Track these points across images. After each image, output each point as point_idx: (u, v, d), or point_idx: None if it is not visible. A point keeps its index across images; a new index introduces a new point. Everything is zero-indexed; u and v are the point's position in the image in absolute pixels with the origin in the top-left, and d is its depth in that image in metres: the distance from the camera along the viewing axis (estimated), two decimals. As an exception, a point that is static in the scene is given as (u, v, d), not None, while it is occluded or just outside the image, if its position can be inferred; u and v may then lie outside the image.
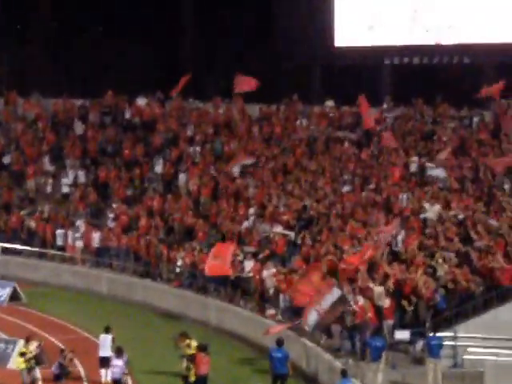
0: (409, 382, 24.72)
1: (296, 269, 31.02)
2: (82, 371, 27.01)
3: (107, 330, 26.23)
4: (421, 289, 27.47)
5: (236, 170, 39.35)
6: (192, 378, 24.85)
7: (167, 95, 45.83)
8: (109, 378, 25.19)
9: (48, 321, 33.31)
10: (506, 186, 32.60)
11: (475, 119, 38.85)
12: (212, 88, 47.43)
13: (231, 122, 44.44)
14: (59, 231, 40.17)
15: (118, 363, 23.97)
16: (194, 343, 25.70)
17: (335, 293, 26.19)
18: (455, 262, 28.28)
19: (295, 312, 29.17)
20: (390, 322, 27.03)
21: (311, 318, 26.21)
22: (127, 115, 46.93)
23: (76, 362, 27.07)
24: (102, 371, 25.70)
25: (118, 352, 24.52)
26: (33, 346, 25.60)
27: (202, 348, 24.85)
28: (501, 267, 27.28)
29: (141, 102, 47.15)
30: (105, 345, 25.87)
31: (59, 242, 40.11)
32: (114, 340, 25.76)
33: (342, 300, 26.27)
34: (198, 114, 45.54)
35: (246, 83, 40.36)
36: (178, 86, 42.81)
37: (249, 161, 39.45)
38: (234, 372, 27.63)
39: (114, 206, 40.91)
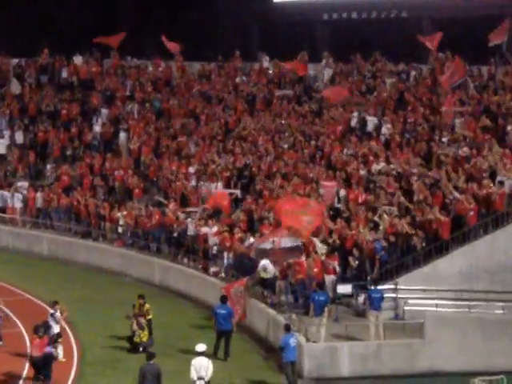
0: (351, 335, 25.08)
1: (238, 224, 31.16)
2: (24, 332, 26.84)
3: (54, 305, 25.15)
4: (362, 243, 27.83)
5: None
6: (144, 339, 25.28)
7: (104, 54, 45.25)
8: (61, 356, 24.51)
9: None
10: (444, 140, 32.98)
11: (413, 73, 39.12)
12: (150, 46, 46.92)
13: (171, 79, 44.15)
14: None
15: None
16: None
17: (294, 241, 26.54)
18: (396, 215, 28.65)
19: (237, 269, 29.39)
20: (332, 276, 27.36)
21: (264, 244, 26.33)
22: (64, 74, 46.25)
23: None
24: (58, 348, 24.71)
25: (45, 326, 23.62)
26: None
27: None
28: (438, 220, 27.70)
29: (77, 60, 46.47)
30: (55, 320, 24.82)
31: (-1, 202, 39.65)
32: (62, 313, 24.96)
33: (296, 250, 26.59)
34: (136, 72, 45.12)
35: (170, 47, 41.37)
36: (109, 40, 42.55)
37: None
38: (178, 329, 27.75)
39: (54, 166, 40.45)
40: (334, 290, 27.05)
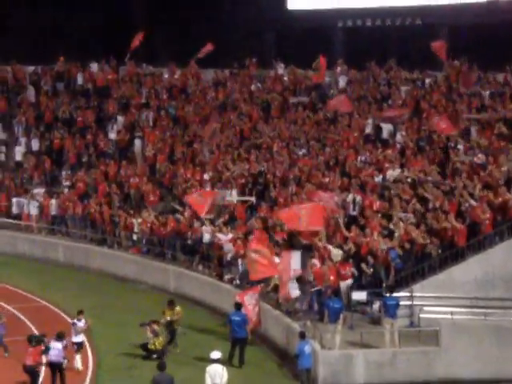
0: (366, 342, 25.00)
1: (252, 231, 31.14)
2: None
3: (79, 314, 24.91)
4: (376, 250, 27.76)
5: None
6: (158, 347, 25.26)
7: (120, 61, 45.47)
8: (79, 365, 24.45)
9: (4, 289, 33.10)
10: (460, 147, 32.90)
11: (428, 80, 39.07)
12: (165, 53, 47.11)
13: (186, 87, 44.28)
14: (14, 200, 39.85)
15: (56, 346, 22.83)
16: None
17: (296, 254, 26.47)
18: (412, 222, 28.57)
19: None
20: (348, 282, 27.28)
21: (292, 290, 26.38)
22: (80, 81, 46.48)
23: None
24: (77, 357, 24.55)
25: (59, 336, 23.24)
26: None
27: None
28: (454, 227, 27.62)
29: (93, 68, 46.73)
30: (77, 330, 24.67)
31: (15, 210, 39.80)
32: (87, 323, 24.78)
33: (305, 257, 26.63)
34: (151, 79, 45.29)
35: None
36: (131, 45, 42.73)
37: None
38: (193, 336, 27.75)
39: (69, 173, 40.61)
40: (349, 296, 26.98)
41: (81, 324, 24.77)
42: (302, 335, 23.39)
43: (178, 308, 26.46)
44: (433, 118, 34.24)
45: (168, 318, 26.09)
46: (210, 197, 32.09)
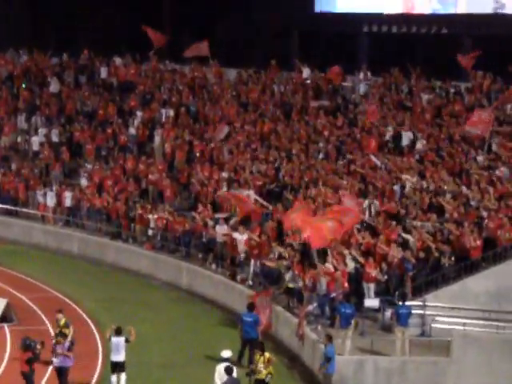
0: (377, 350, 24.94)
1: (267, 233, 31.13)
2: (51, 330, 26.99)
3: (118, 332, 22.84)
4: (391, 258, 27.69)
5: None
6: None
7: (143, 56, 45.57)
8: None
9: (18, 279, 33.25)
10: (479, 158, 32.78)
11: (451, 90, 38.93)
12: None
13: (207, 85, 44.31)
14: (32, 190, 40.02)
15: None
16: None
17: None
18: (428, 232, 28.48)
19: (264, 277, 29.37)
20: (372, 285, 27.28)
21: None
22: (103, 75, 46.62)
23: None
24: (113, 377, 22.81)
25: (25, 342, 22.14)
26: None
27: None
28: (469, 238, 27.51)
29: (117, 62, 46.87)
30: (118, 348, 22.67)
31: (31, 200, 39.95)
32: (128, 341, 22.68)
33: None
34: (173, 76, 45.37)
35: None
36: (154, 41, 42.92)
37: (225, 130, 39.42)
38: (204, 334, 27.78)
39: (88, 166, 40.73)
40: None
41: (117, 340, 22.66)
42: (330, 338, 23.13)
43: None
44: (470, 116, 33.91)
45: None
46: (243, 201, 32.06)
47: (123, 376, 22.65)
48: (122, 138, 41.79)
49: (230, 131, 39.29)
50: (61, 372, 22.41)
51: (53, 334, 23.64)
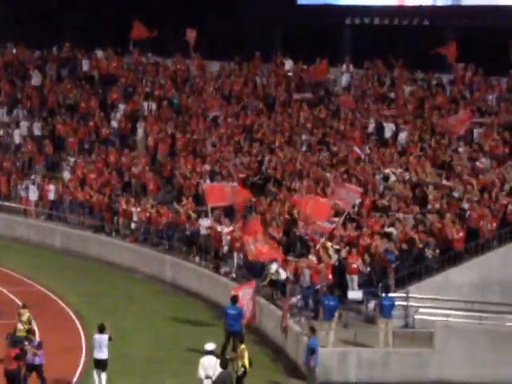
0: (360, 341, 25.00)
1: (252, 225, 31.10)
2: (34, 325, 26.90)
3: (102, 329, 22.37)
4: (373, 250, 27.74)
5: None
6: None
7: (125, 49, 45.39)
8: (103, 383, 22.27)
9: (0, 273, 33.07)
10: (461, 150, 32.86)
11: (433, 82, 38.98)
12: (170, 44, 46.99)
13: (189, 77, 44.21)
14: (14, 184, 39.83)
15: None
16: None
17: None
18: (411, 223, 28.55)
19: (248, 270, 29.38)
20: (355, 276, 27.32)
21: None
22: (85, 68, 46.42)
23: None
24: (95, 374, 22.27)
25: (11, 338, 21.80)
26: None
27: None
28: (451, 230, 27.59)
29: (99, 55, 46.66)
30: (100, 346, 22.19)
31: (14, 194, 39.77)
32: (110, 339, 22.22)
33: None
34: (155, 68, 45.22)
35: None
36: (133, 34, 42.81)
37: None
38: (187, 327, 27.76)
39: (70, 159, 40.56)
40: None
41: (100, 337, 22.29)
42: (314, 330, 23.01)
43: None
44: (446, 116, 34.08)
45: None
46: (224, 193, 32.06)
47: (104, 375, 22.18)
48: (104, 131, 41.65)
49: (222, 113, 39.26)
50: (35, 369, 21.80)
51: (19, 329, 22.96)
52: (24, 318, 23.27)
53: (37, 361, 21.78)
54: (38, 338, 22.54)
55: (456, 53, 37.02)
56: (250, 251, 27.48)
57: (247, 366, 21.80)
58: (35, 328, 23.24)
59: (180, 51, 44.73)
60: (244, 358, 21.86)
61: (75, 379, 23.25)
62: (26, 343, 21.77)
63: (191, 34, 42.63)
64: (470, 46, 37.74)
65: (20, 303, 25.41)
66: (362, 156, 33.93)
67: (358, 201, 30.59)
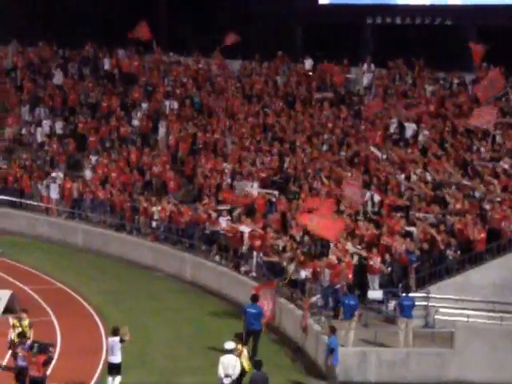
0: (380, 341, 24.97)
1: (271, 225, 31.12)
2: (55, 321, 27.06)
3: (115, 332, 21.99)
4: (394, 250, 27.69)
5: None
6: None
7: (147, 48, 45.53)
8: None
9: (22, 270, 33.29)
10: (483, 150, 32.69)
11: (455, 81, 38.82)
12: (192, 43, 47.09)
13: (211, 76, 44.28)
14: (36, 182, 40.04)
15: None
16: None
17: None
18: (432, 223, 28.45)
19: (268, 269, 29.40)
20: (376, 276, 27.26)
21: None
22: (106, 66, 46.62)
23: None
24: (109, 378, 21.93)
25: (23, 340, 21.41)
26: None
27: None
28: (473, 230, 27.49)
29: (121, 54, 46.84)
30: (112, 349, 21.90)
31: (36, 192, 39.99)
32: (122, 341, 21.81)
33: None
34: (177, 67, 45.33)
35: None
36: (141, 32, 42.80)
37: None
38: (208, 326, 27.81)
39: (92, 157, 40.73)
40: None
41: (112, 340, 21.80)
42: (333, 329, 23.01)
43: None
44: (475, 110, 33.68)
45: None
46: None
47: (118, 378, 21.84)
48: (125, 130, 41.80)
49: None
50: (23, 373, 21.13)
51: (12, 334, 22.50)
52: (25, 323, 23.10)
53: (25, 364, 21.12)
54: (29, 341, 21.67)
55: (482, 55, 36.78)
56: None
57: (246, 367, 21.59)
58: (31, 334, 22.71)
59: (200, 50, 44.77)
60: (244, 358, 21.77)
61: (93, 382, 22.92)
62: (51, 349, 21.27)
63: (231, 38, 42.33)
64: (493, 46, 37.51)
65: (40, 300, 25.46)
66: (380, 156, 33.78)
67: (377, 199, 30.56)
